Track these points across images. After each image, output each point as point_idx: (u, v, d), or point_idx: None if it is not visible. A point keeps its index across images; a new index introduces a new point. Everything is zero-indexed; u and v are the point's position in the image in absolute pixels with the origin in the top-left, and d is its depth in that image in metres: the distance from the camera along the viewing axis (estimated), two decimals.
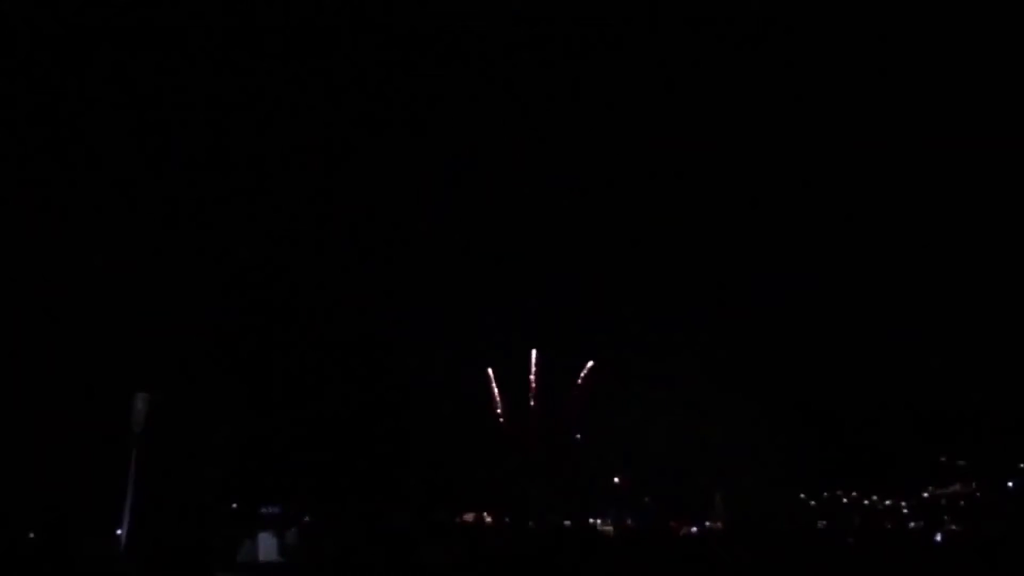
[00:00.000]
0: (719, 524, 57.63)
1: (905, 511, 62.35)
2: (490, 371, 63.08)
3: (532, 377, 65.17)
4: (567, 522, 51.31)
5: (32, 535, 20.99)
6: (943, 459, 62.47)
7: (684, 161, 73.79)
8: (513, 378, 67.30)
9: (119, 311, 25.03)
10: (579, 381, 62.61)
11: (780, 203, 78.34)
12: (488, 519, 47.55)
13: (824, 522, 61.63)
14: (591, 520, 57.01)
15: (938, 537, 42.99)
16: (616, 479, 61.12)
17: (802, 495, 67.65)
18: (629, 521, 57.63)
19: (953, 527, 50.55)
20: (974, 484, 60.49)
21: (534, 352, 64.67)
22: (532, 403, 63.95)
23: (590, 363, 62.31)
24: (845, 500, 67.20)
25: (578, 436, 62.41)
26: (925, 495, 62.61)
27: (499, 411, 63.29)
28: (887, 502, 64.73)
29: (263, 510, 31.64)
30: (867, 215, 75.89)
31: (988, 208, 67.39)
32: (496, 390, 63.35)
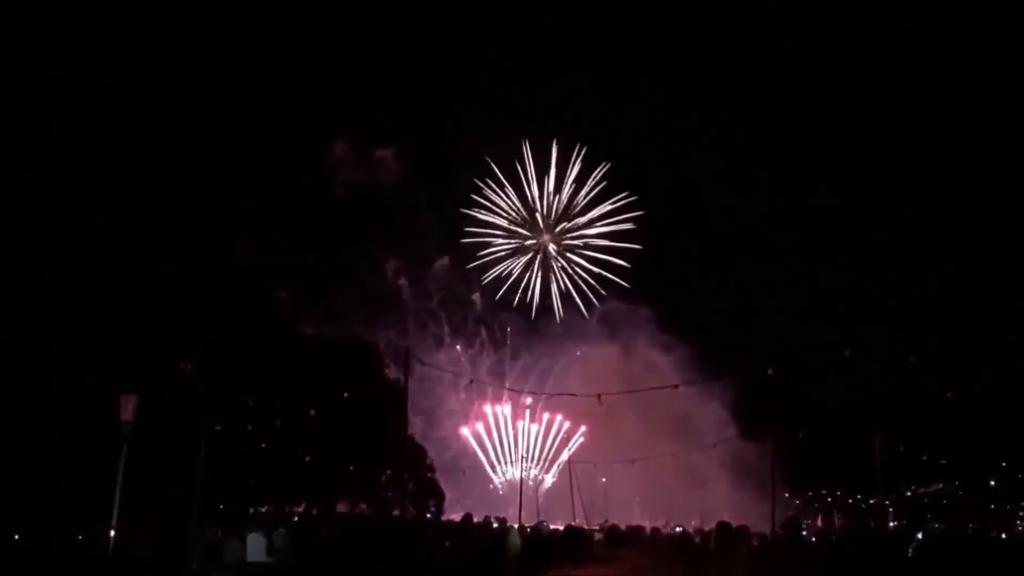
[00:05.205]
0: (702, 525, 57.82)
1: (890, 509, 62.84)
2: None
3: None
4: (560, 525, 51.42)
5: (17, 536, 20.76)
6: (925, 458, 62.93)
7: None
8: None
9: (105, 310, 24.77)
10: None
11: (762, 198, 78.96)
12: (476, 520, 47.55)
13: (807, 521, 62.02)
14: (576, 521, 57.08)
15: (919, 535, 43.11)
16: (603, 479, 61.32)
17: (786, 495, 68.07)
18: (616, 522, 57.76)
19: (936, 525, 50.95)
20: (957, 482, 60.96)
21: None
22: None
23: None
24: (829, 499, 67.66)
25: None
26: (908, 494, 63.08)
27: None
28: (871, 500, 65.20)
29: (251, 510, 31.48)
30: (849, 207, 76.62)
31: (967, 203, 68.15)
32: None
